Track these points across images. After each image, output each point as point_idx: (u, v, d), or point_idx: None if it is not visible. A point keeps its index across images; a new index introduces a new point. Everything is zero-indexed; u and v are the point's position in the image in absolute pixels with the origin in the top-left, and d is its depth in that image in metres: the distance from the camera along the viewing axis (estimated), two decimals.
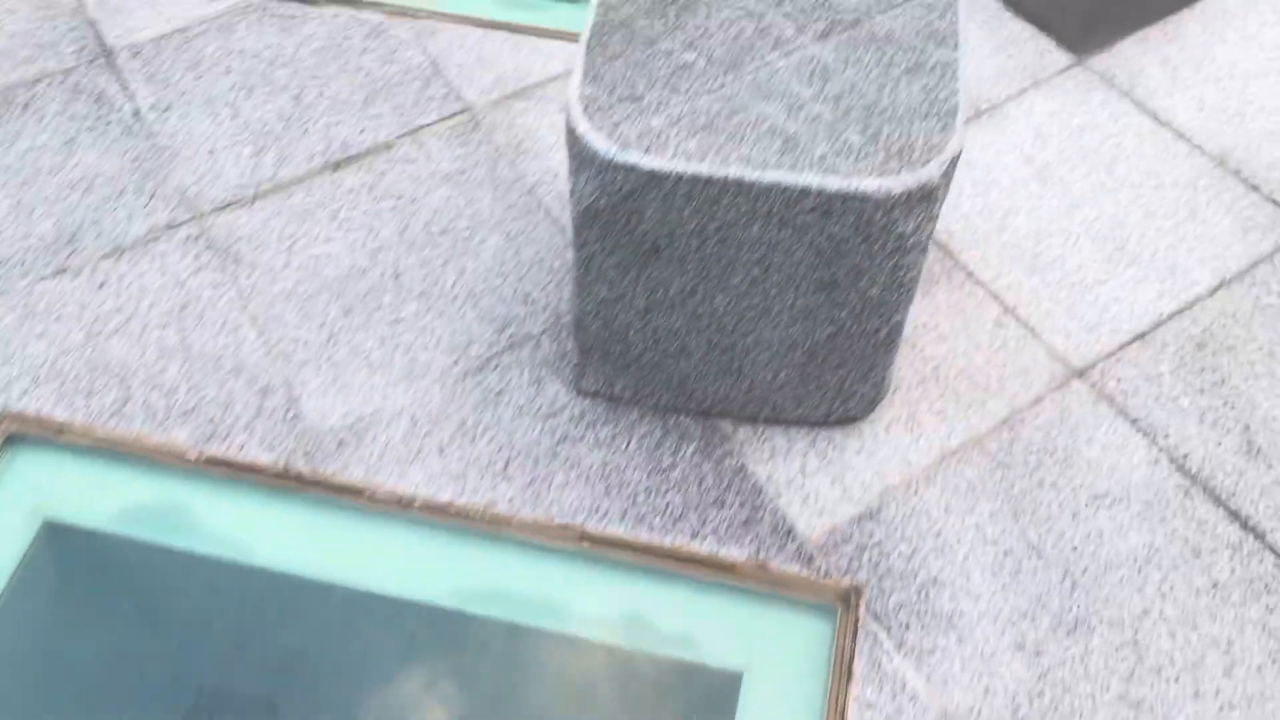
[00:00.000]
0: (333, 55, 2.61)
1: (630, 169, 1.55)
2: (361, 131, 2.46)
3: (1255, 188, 2.32)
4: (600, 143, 1.56)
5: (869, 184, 1.51)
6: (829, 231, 1.58)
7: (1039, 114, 2.48)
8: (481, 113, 2.51)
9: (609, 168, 1.56)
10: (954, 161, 1.55)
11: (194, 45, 2.63)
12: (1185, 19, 2.66)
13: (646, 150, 1.54)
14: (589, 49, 1.67)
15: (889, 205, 1.53)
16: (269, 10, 2.71)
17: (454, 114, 2.50)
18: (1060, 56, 2.60)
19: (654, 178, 1.55)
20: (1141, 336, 2.10)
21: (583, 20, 2.72)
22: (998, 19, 2.68)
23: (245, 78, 2.56)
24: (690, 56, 1.66)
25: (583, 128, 1.57)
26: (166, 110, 2.49)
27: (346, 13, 2.71)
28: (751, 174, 1.52)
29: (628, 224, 1.64)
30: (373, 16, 2.70)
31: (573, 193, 1.66)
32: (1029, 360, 2.08)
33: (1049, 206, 2.31)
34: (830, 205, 1.54)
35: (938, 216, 1.60)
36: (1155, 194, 2.32)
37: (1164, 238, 2.25)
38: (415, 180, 2.37)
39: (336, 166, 2.39)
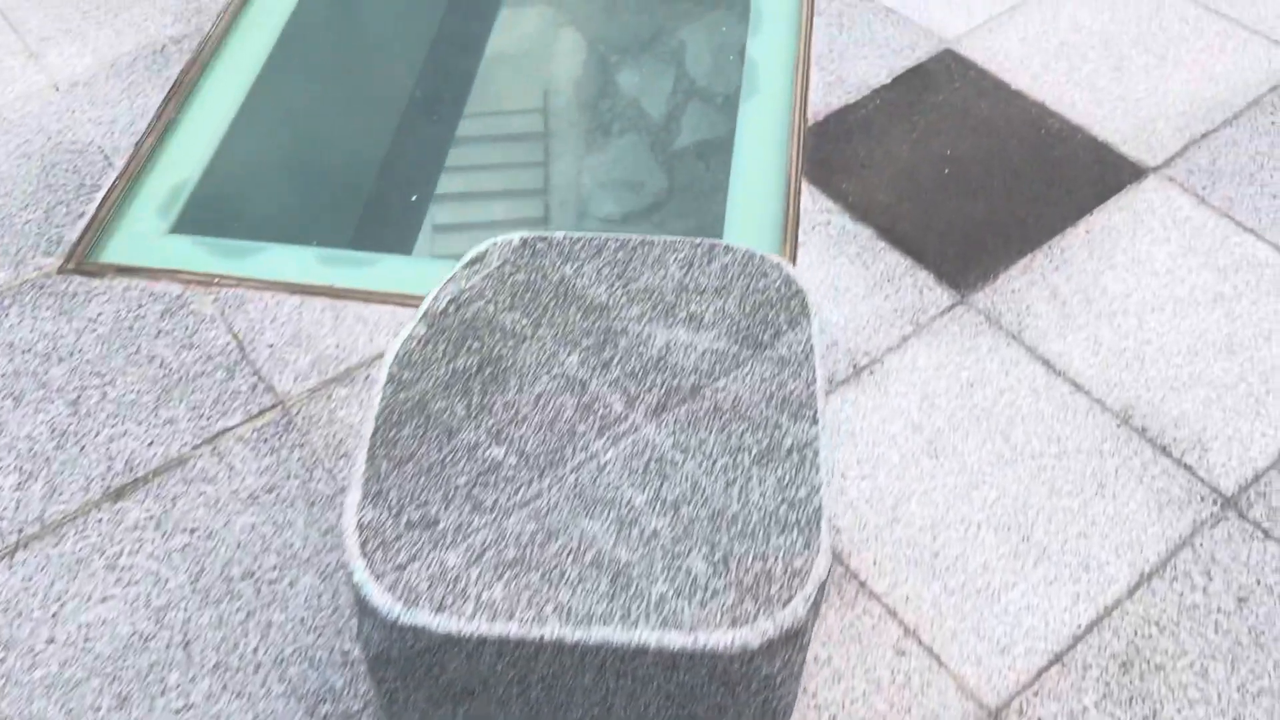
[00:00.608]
0: (120, 343, 2.25)
1: (420, 630, 1.22)
2: (150, 444, 2.09)
3: (1164, 450, 2.10)
4: (380, 598, 1.23)
5: (719, 637, 1.21)
6: (678, 680, 1.27)
7: (924, 368, 2.23)
8: (296, 406, 2.17)
9: (395, 627, 1.23)
10: (822, 588, 1.26)
11: None
12: (1070, 240, 2.47)
13: (439, 608, 1.22)
14: (372, 450, 1.35)
15: (747, 657, 1.23)
16: (47, 288, 2.34)
17: (263, 410, 2.16)
18: (941, 293, 2.37)
19: (451, 639, 1.23)
20: (1059, 659, 1.84)
21: (415, 276, 2.42)
22: (871, 250, 2.45)
23: (14, 381, 2.18)
24: (498, 452, 1.35)
25: (360, 575, 1.24)
26: None
27: (139, 285, 2.35)
28: (573, 633, 1.21)
29: (429, 672, 1.31)
30: (170, 288, 2.35)
31: (358, 634, 1.33)
32: (937, 701, 1.79)
33: (944, 487, 2.05)
34: (675, 661, 1.23)
35: (809, 643, 1.30)
36: (1058, 464, 2.08)
37: (1073, 521, 2.00)
38: (214, 506, 2.01)
39: (118, 495, 2.02)
